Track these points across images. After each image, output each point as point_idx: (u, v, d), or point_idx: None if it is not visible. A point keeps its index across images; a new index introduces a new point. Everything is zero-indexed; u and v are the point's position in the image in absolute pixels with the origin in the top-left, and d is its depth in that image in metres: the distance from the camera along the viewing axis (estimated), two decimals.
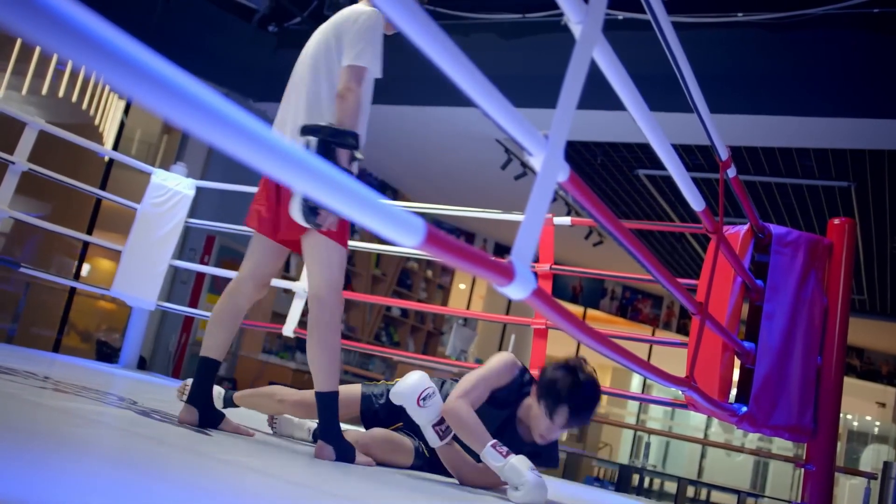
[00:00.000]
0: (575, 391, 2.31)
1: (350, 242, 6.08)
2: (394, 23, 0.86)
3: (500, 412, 2.43)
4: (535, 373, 3.33)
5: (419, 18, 0.88)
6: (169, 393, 3.34)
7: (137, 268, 4.30)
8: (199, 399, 2.31)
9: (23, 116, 3.81)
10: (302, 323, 4.15)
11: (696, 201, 2.16)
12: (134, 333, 4.65)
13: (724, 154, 2.31)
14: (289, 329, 3.92)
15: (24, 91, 6.69)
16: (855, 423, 12.84)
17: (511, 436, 2.43)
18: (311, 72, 2.43)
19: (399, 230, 0.82)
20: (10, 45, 6.46)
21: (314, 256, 2.35)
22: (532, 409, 2.38)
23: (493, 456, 2.17)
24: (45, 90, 6.75)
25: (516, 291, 1.10)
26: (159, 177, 4.48)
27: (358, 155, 2.23)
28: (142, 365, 6.21)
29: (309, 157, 0.68)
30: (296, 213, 2.16)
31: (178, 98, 0.53)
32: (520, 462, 2.15)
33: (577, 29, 1.28)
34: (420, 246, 0.86)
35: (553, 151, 1.24)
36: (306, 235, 2.36)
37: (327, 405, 2.29)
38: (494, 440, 2.20)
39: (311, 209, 2.14)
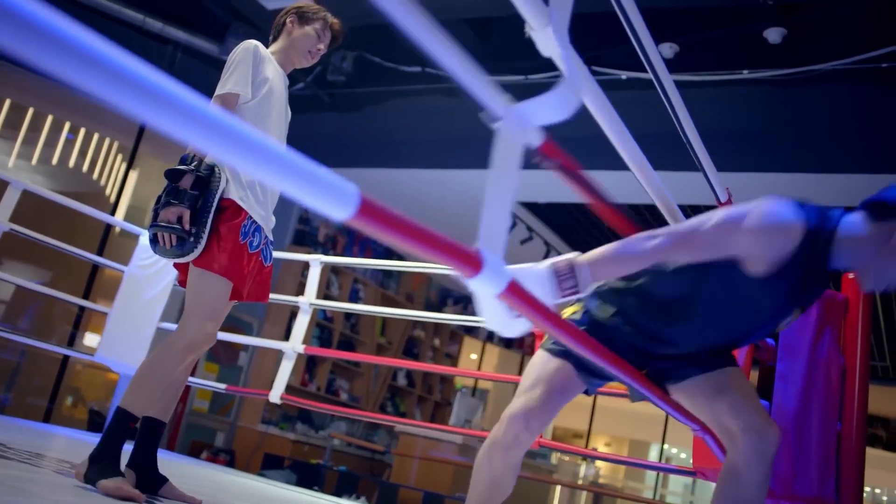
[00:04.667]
0: None
1: (355, 307, 5.92)
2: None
3: None
4: None
5: None
6: None
7: (123, 332, 4.13)
8: (138, 461, 2.15)
9: (5, 175, 3.71)
10: (290, 388, 3.95)
11: None
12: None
13: (723, 196, 2.16)
14: (275, 395, 3.71)
15: (34, 161, 6.67)
16: (884, 498, 12.30)
17: None
18: None
19: (326, 200, 0.65)
20: (21, 115, 6.47)
21: (190, 287, 2.24)
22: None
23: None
24: (55, 160, 6.73)
25: (486, 285, 0.91)
26: (147, 238, 4.35)
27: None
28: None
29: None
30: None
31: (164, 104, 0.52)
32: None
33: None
34: (353, 219, 0.68)
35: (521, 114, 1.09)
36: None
37: (116, 422, 2.07)
38: None
39: (153, 239, 2.16)
